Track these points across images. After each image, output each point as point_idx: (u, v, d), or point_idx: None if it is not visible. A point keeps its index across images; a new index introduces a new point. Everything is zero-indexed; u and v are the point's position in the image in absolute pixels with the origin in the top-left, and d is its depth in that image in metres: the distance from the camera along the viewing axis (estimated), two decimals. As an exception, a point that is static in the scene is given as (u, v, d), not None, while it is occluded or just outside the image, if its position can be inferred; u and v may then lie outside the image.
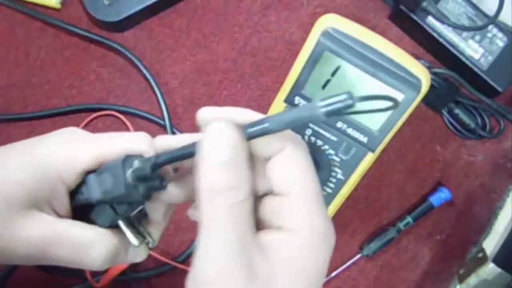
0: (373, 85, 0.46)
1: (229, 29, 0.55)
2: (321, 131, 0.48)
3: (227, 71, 0.55)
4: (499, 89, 0.54)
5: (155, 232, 0.34)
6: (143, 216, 0.34)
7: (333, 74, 0.46)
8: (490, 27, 0.53)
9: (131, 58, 0.53)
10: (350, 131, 0.47)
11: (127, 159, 0.30)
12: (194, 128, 0.57)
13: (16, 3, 0.53)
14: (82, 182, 0.32)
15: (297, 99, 0.47)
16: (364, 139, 0.47)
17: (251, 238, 0.27)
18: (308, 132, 0.48)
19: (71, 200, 0.32)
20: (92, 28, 0.54)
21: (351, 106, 0.25)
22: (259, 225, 0.28)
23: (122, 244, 0.32)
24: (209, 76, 0.55)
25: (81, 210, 0.32)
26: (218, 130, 0.26)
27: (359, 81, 0.46)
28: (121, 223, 0.32)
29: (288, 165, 0.28)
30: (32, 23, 0.54)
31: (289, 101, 0.47)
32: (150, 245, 0.34)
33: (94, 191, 0.31)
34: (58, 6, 0.53)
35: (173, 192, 0.32)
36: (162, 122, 0.54)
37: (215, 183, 0.26)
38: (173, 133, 0.53)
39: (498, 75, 0.54)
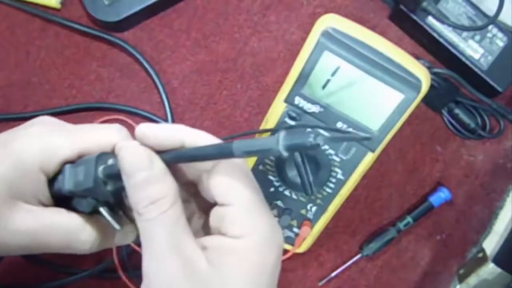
0: (373, 85, 0.46)
1: (229, 29, 0.55)
2: (321, 131, 0.48)
3: (227, 71, 0.55)
4: (499, 89, 0.54)
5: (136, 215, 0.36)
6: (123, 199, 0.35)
7: (333, 74, 0.46)
8: (490, 27, 0.53)
9: (136, 55, 0.53)
10: (350, 131, 0.47)
11: (102, 155, 0.31)
12: (194, 128, 0.57)
13: (16, 3, 0.53)
14: (59, 171, 0.33)
15: (297, 99, 0.47)
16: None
17: (187, 242, 0.29)
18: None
19: (50, 189, 0.33)
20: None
21: (315, 147, 0.24)
22: (209, 231, 0.31)
23: (107, 228, 0.34)
24: (209, 76, 0.55)
25: (63, 198, 0.33)
26: (130, 151, 0.30)
27: (359, 81, 0.46)
28: (101, 210, 0.33)
29: (224, 177, 0.31)
30: (32, 23, 0.54)
31: (289, 101, 0.47)
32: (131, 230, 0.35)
33: (67, 182, 0.32)
34: (58, 6, 0.53)
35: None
36: (164, 122, 0.54)
37: (138, 201, 0.29)
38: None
39: (498, 75, 0.54)
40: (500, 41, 0.54)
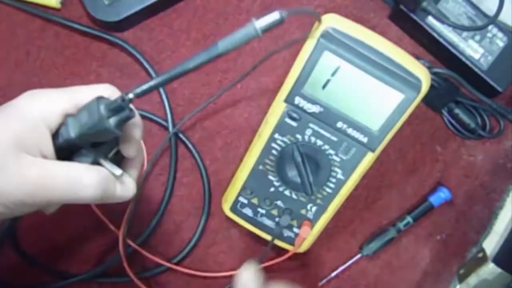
0: (373, 85, 0.46)
1: (229, 29, 0.55)
2: (321, 131, 0.48)
3: (227, 71, 0.55)
4: (499, 89, 0.54)
5: (132, 171, 0.40)
6: (121, 161, 0.39)
7: (333, 74, 0.46)
8: (490, 27, 0.53)
9: (136, 55, 0.53)
10: (350, 131, 0.47)
11: (101, 98, 0.34)
12: (194, 128, 0.57)
13: (16, 3, 0.53)
14: (62, 125, 0.35)
15: (297, 99, 0.47)
16: (364, 139, 0.47)
17: None
18: (308, 132, 0.48)
19: (54, 143, 0.35)
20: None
21: (282, 21, 0.32)
22: None
23: (109, 176, 0.36)
24: (209, 76, 0.55)
25: (64, 154, 0.36)
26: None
27: (359, 81, 0.46)
28: (102, 161, 0.36)
29: None
30: (32, 23, 0.54)
31: (289, 101, 0.47)
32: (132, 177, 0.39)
33: (71, 129, 0.34)
34: (58, 6, 0.53)
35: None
36: (163, 122, 0.54)
37: None
38: (176, 134, 0.53)
39: (498, 75, 0.54)
40: (500, 41, 0.54)
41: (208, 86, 0.55)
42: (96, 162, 0.36)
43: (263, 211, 0.51)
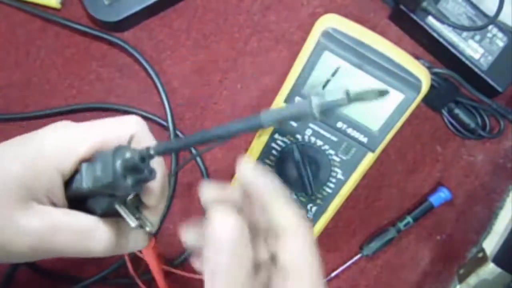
0: (373, 85, 0.46)
1: (229, 29, 0.55)
2: (321, 131, 0.48)
3: (227, 71, 0.55)
4: (499, 89, 0.54)
5: (153, 217, 0.35)
6: (140, 202, 0.34)
7: (333, 74, 0.46)
8: (490, 27, 0.53)
9: (135, 55, 0.53)
10: (350, 131, 0.47)
11: (120, 148, 0.30)
12: (194, 128, 0.57)
13: (16, 3, 0.53)
14: (76, 172, 0.32)
15: (297, 99, 0.47)
16: (364, 139, 0.47)
17: None
18: (308, 132, 0.48)
19: (66, 190, 0.32)
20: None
21: (347, 103, 0.26)
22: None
23: (122, 230, 0.33)
24: (209, 76, 0.55)
25: (77, 202, 0.33)
26: (221, 218, 0.31)
27: (359, 81, 0.46)
28: (117, 207, 0.32)
29: (296, 248, 0.31)
30: (32, 23, 0.54)
31: (289, 101, 0.47)
32: (148, 229, 0.34)
33: (85, 179, 0.31)
34: (58, 6, 0.53)
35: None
36: (163, 122, 0.54)
37: (221, 265, 0.30)
38: (175, 133, 0.53)
39: (498, 75, 0.54)
40: (500, 41, 0.54)
41: (208, 86, 0.55)
42: (112, 208, 0.32)
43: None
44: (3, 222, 0.30)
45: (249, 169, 0.33)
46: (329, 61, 0.45)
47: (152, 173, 0.31)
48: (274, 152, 0.49)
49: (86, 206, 0.33)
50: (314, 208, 0.50)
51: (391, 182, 0.56)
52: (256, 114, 0.28)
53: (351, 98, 0.25)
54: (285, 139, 0.48)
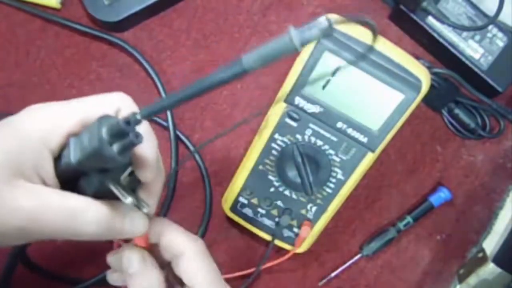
0: (373, 85, 0.46)
1: (229, 29, 0.55)
2: (321, 131, 0.48)
3: (227, 71, 0.55)
4: (499, 89, 0.54)
5: (150, 198, 0.34)
6: (136, 183, 0.33)
7: (333, 74, 0.46)
8: (490, 27, 0.53)
9: (135, 55, 0.53)
10: (350, 131, 0.47)
11: (104, 117, 0.29)
12: (194, 128, 0.57)
13: (16, 3, 0.53)
14: (64, 148, 0.31)
15: (297, 99, 0.47)
16: (364, 139, 0.47)
17: None
18: (308, 132, 0.48)
19: (56, 169, 0.31)
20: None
21: (328, 32, 0.24)
22: None
23: (116, 211, 0.32)
24: (209, 76, 0.55)
25: (69, 182, 0.32)
26: (127, 255, 0.36)
27: (359, 81, 0.46)
28: (110, 185, 0.31)
29: (193, 266, 0.37)
30: (32, 23, 0.54)
31: (289, 101, 0.47)
32: (146, 210, 0.33)
33: (73, 152, 0.30)
34: (58, 6, 0.53)
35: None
36: (163, 122, 0.54)
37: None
38: (175, 133, 0.53)
39: (498, 75, 0.54)
40: (500, 41, 0.54)
41: (208, 86, 0.55)
42: (105, 187, 0.31)
43: (263, 211, 0.51)
44: None
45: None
46: (329, 61, 0.45)
47: (138, 137, 0.29)
48: (274, 152, 0.49)
49: (78, 186, 0.32)
50: (314, 208, 0.50)
51: (391, 182, 0.56)
52: (236, 59, 0.26)
53: (331, 25, 0.24)
54: (285, 139, 0.48)
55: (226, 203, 0.52)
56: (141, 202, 0.33)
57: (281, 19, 0.55)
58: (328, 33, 0.24)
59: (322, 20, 0.24)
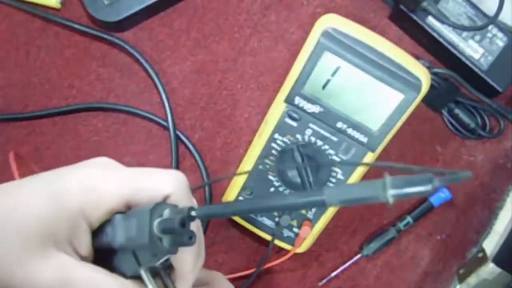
0: (373, 85, 0.46)
1: (229, 29, 0.55)
2: (321, 131, 0.48)
3: (227, 71, 0.55)
4: (499, 89, 0.54)
5: (183, 285, 0.32)
6: (171, 266, 0.31)
7: (333, 74, 0.46)
8: (490, 27, 0.53)
9: (135, 55, 0.53)
10: (350, 131, 0.47)
11: (157, 207, 0.28)
12: (194, 128, 0.57)
13: (16, 3, 0.53)
14: (107, 222, 0.29)
15: (297, 99, 0.47)
16: (364, 139, 0.47)
17: None
18: (308, 132, 0.48)
19: (94, 240, 0.29)
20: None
21: (429, 192, 0.22)
22: None
23: None
24: (209, 76, 0.55)
25: (104, 253, 0.30)
26: None
27: (359, 81, 0.46)
28: (143, 274, 0.29)
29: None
30: (32, 23, 0.54)
31: (289, 101, 0.47)
32: None
33: (118, 235, 0.29)
34: (58, 6, 0.53)
35: None
36: (163, 122, 0.54)
37: None
38: (175, 133, 0.53)
39: (498, 75, 0.54)
40: (500, 41, 0.54)
41: (208, 86, 0.55)
42: (138, 274, 0.29)
43: (263, 211, 0.51)
44: (15, 266, 0.27)
45: None
46: (329, 61, 0.45)
47: (192, 238, 0.28)
48: (274, 152, 0.49)
49: (112, 263, 0.30)
50: (314, 208, 0.50)
51: (391, 182, 0.56)
52: (319, 190, 0.24)
53: (434, 188, 0.21)
54: (285, 139, 0.48)
55: (226, 203, 0.52)
56: None
57: (281, 19, 0.55)
58: (425, 195, 0.22)
59: (426, 180, 0.21)
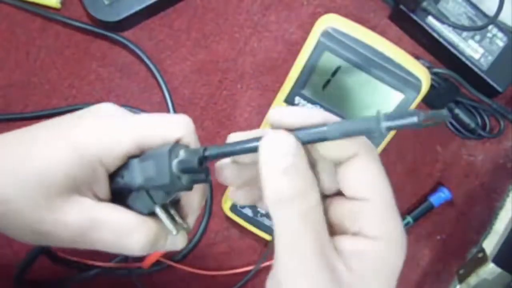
0: (373, 85, 0.46)
1: (229, 29, 0.55)
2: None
3: (227, 71, 0.55)
4: (499, 89, 0.54)
5: (190, 217, 0.34)
6: (177, 201, 0.34)
7: (333, 74, 0.46)
8: (490, 27, 0.53)
9: (137, 52, 0.53)
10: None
11: (173, 148, 0.29)
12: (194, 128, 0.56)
13: (16, 2, 0.53)
14: (122, 166, 0.31)
15: (297, 99, 0.47)
16: (364, 139, 0.47)
17: (329, 245, 0.26)
18: (308, 132, 0.48)
19: (110, 183, 0.32)
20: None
21: (416, 125, 0.24)
22: (328, 228, 0.27)
23: (161, 231, 0.32)
24: (209, 76, 0.55)
25: (119, 194, 0.32)
26: (276, 137, 0.26)
27: (359, 81, 0.46)
28: (158, 211, 0.31)
29: (365, 172, 0.27)
30: (32, 23, 0.54)
31: (289, 101, 0.47)
32: (185, 230, 0.34)
33: (136, 176, 0.30)
34: (58, 5, 0.53)
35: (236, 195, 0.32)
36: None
37: (282, 190, 0.25)
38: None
39: (498, 75, 0.54)
40: (500, 41, 0.54)
41: (208, 86, 0.55)
42: (152, 211, 0.31)
43: (263, 211, 0.51)
44: (44, 212, 0.29)
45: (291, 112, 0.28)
46: (329, 61, 0.45)
47: (208, 175, 0.30)
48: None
49: (127, 202, 0.32)
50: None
51: (391, 182, 0.56)
52: (321, 126, 0.26)
53: (421, 119, 0.23)
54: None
55: (226, 203, 0.52)
56: (182, 222, 0.33)
57: (281, 19, 0.55)
58: (417, 127, 0.24)
59: (413, 113, 0.24)
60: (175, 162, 0.29)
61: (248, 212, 0.52)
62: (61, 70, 0.54)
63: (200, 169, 0.29)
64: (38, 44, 0.54)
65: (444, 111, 0.24)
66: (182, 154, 0.29)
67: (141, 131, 0.31)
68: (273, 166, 0.25)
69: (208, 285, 0.54)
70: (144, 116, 0.32)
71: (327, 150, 0.27)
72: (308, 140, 0.26)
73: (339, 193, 0.28)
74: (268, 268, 0.53)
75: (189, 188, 0.30)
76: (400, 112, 0.24)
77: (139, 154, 0.31)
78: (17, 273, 0.50)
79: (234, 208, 0.52)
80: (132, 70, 0.54)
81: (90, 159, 0.30)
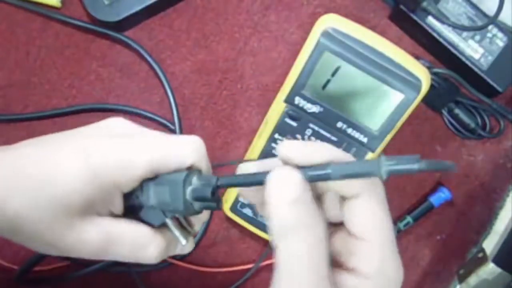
0: (373, 85, 0.46)
1: (229, 29, 0.55)
2: (321, 131, 0.48)
3: (227, 71, 0.55)
4: (499, 89, 0.54)
5: (197, 225, 0.36)
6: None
7: (333, 74, 0.46)
8: (490, 27, 0.53)
9: (139, 50, 0.53)
10: (350, 131, 0.47)
11: (188, 176, 0.31)
12: (193, 128, 0.57)
13: (16, 1, 0.53)
14: (137, 186, 0.33)
15: (297, 99, 0.47)
16: (364, 139, 0.47)
17: (327, 280, 0.27)
18: (308, 132, 0.48)
19: (124, 200, 0.33)
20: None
21: (415, 171, 0.25)
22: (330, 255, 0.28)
23: (172, 241, 0.34)
24: (209, 76, 0.55)
25: (131, 207, 0.34)
26: (284, 172, 0.27)
27: (359, 81, 0.46)
28: (170, 224, 0.33)
29: (366, 213, 0.28)
30: (32, 23, 0.54)
31: (289, 101, 0.47)
32: (192, 237, 0.36)
33: (151, 198, 0.32)
34: (58, 5, 0.53)
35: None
36: (164, 121, 0.54)
37: (287, 219, 0.26)
38: (181, 131, 0.53)
39: (498, 75, 0.54)
40: (500, 41, 0.54)
41: (208, 86, 0.55)
42: (163, 223, 0.34)
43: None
44: (65, 232, 0.31)
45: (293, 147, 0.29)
46: (329, 61, 0.45)
47: (219, 203, 0.32)
48: (274, 152, 0.49)
49: (139, 216, 0.34)
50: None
51: (391, 182, 0.56)
52: (324, 165, 0.27)
53: (422, 168, 0.25)
54: (285, 139, 0.48)
55: (226, 203, 0.52)
56: (189, 228, 0.35)
57: (281, 19, 0.55)
58: (416, 172, 0.25)
59: (415, 160, 0.25)
60: (188, 190, 0.31)
61: (248, 212, 0.52)
62: (61, 70, 0.54)
63: (212, 198, 0.31)
64: (38, 44, 0.54)
65: (448, 162, 0.25)
66: (195, 182, 0.32)
67: (157, 157, 0.32)
68: (280, 199, 0.27)
69: (208, 283, 0.54)
70: (158, 138, 0.33)
71: (332, 187, 0.29)
72: (313, 179, 0.27)
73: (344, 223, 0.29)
74: (268, 267, 0.53)
75: (200, 212, 0.32)
76: (401, 158, 0.25)
77: (153, 177, 0.33)
78: (17, 273, 0.50)
79: (234, 208, 0.52)
80: (132, 70, 0.54)
81: (108, 182, 0.31)
